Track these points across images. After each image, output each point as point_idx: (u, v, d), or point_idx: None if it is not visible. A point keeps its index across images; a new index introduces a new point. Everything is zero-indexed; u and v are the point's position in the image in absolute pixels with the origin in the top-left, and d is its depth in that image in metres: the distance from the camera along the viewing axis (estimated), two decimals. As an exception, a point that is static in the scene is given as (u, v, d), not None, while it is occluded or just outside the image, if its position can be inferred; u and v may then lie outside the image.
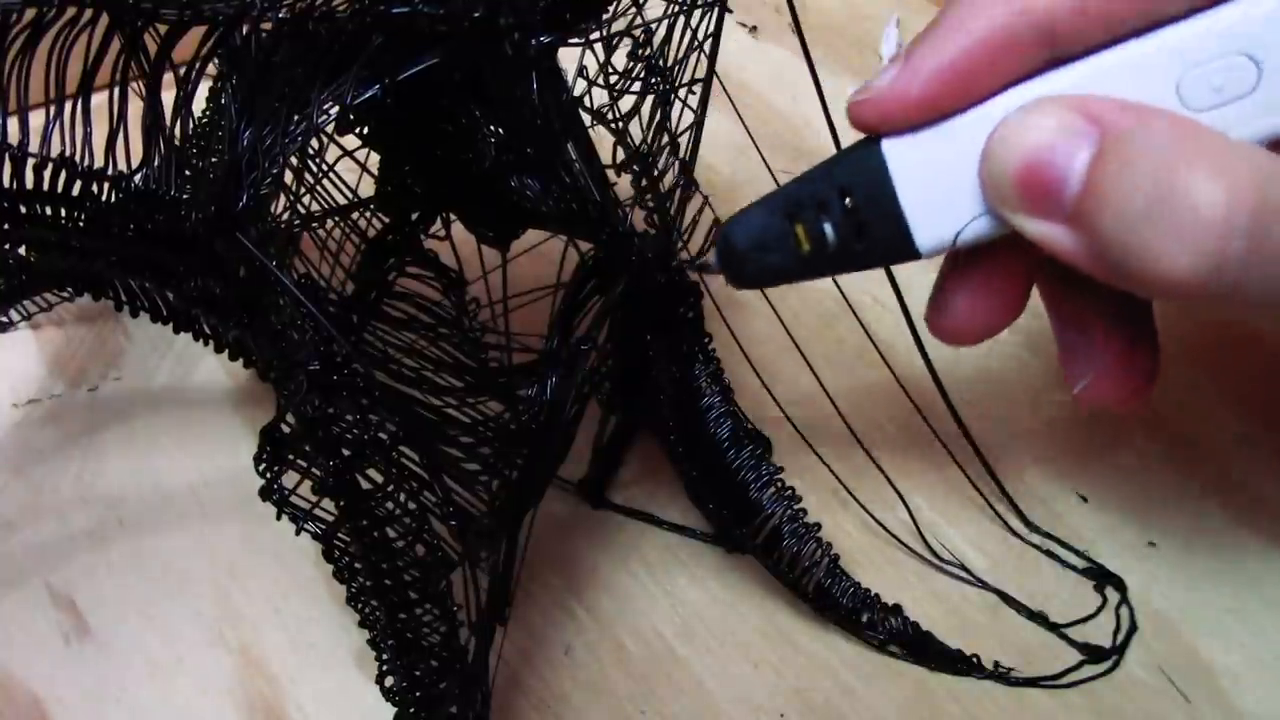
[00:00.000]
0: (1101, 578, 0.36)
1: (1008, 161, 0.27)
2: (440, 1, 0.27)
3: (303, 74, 0.27)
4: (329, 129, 0.28)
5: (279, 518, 0.29)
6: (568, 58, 0.30)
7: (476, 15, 0.27)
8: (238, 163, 0.26)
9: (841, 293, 0.39)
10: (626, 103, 0.32)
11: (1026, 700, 0.33)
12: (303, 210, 0.31)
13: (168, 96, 0.28)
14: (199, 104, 0.33)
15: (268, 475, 0.28)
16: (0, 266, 0.37)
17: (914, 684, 0.34)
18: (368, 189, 0.33)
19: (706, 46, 0.33)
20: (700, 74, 0.34)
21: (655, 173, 0.33)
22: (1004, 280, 0.31)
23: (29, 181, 0.28)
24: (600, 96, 0.31)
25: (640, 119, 0.32)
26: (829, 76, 0.36)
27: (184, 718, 0.34)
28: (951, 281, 0.31)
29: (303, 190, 0.30)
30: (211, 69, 0.29)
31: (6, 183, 0.29)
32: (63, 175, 0.28)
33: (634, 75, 0.31)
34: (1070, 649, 0.34)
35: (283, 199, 0.30)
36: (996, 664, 0.34)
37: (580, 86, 0.30)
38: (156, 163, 0.28)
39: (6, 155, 0.28)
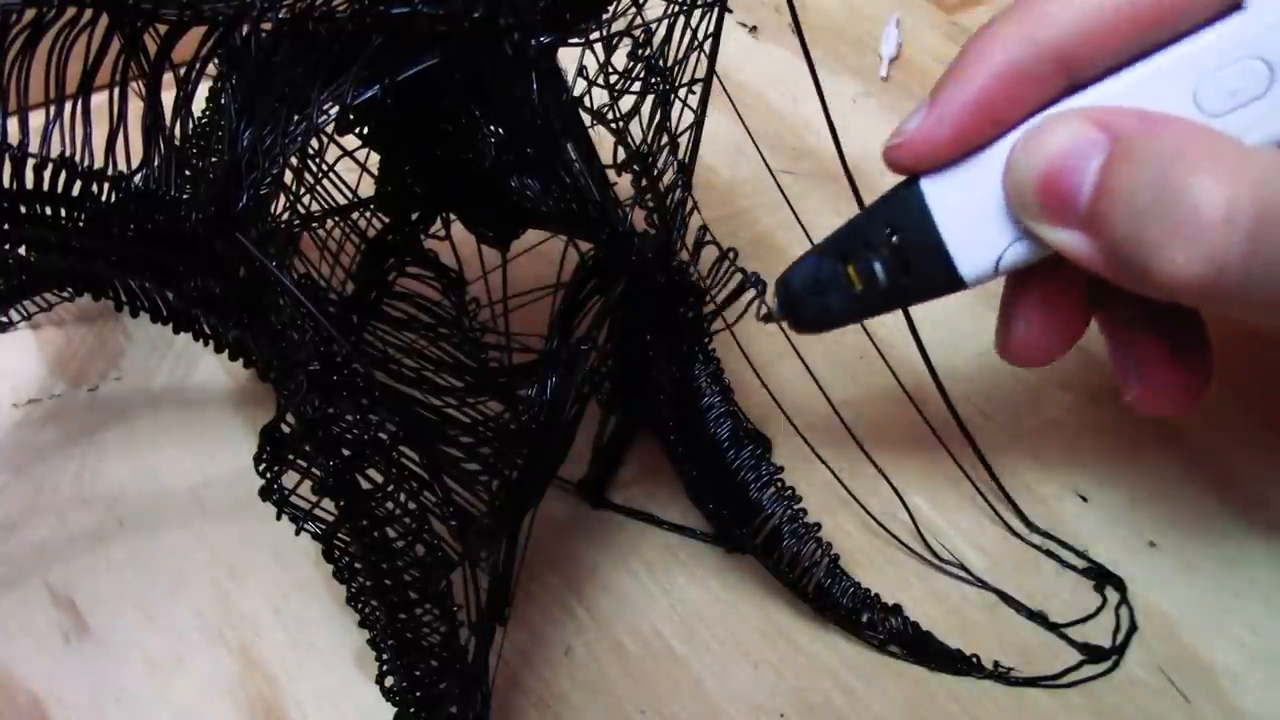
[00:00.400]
0: (1101, 577, 0.36)
1: (1028, 172, 0.28)
2: (440, 1, 0.27)
3: (303, 74, 0.27)
4: (329, 129, 0.28)
5: (279, 518, 0.29)
6: (568, 58, 0.30)
7: (476, 15, 0.27)
8: (237, 163, 0.26)
9: (841, 293, 0.39)
10: (626, 103, 0.32)
11: (1026, 700, 0.33)
12: (303, 210, 0.31)
13: (168, 97, 0.28)
14: (199, 104, 0.33)
15: (268, 475, 0.28)
16: (0, 266, 0.37)
17: (914, 684, 0.34)
18: (367, 189, 0.33)
19: (706, 46, 0.33)
20: (700, 74, 0.34)
21: (655, 173, 0.33)
22: (1060, 301, 0.32)
23: (29, 182, 0.28)
24: (600, 96, 0.31)
25: (640, 119, 0.32)
26: (829, 76, 0.36)
27: (184, 717, 0.34)
28: (1011, 307, 0.32)
29: (302, 190, 0.30)
30: (211, 69, 0.29)
31: (6, 183, 0.29)
32: (63, 175, 0.28)
33: (634, 75, 0.31)
34: (1070, 649, 0.34)
35: (282, 199, 0.30)
36: (996, 664, 0.34)
37: (580, 86, 0.30)
38: (156, 163, 0.28)
39: (6, 156, 0.28)
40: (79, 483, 0.40)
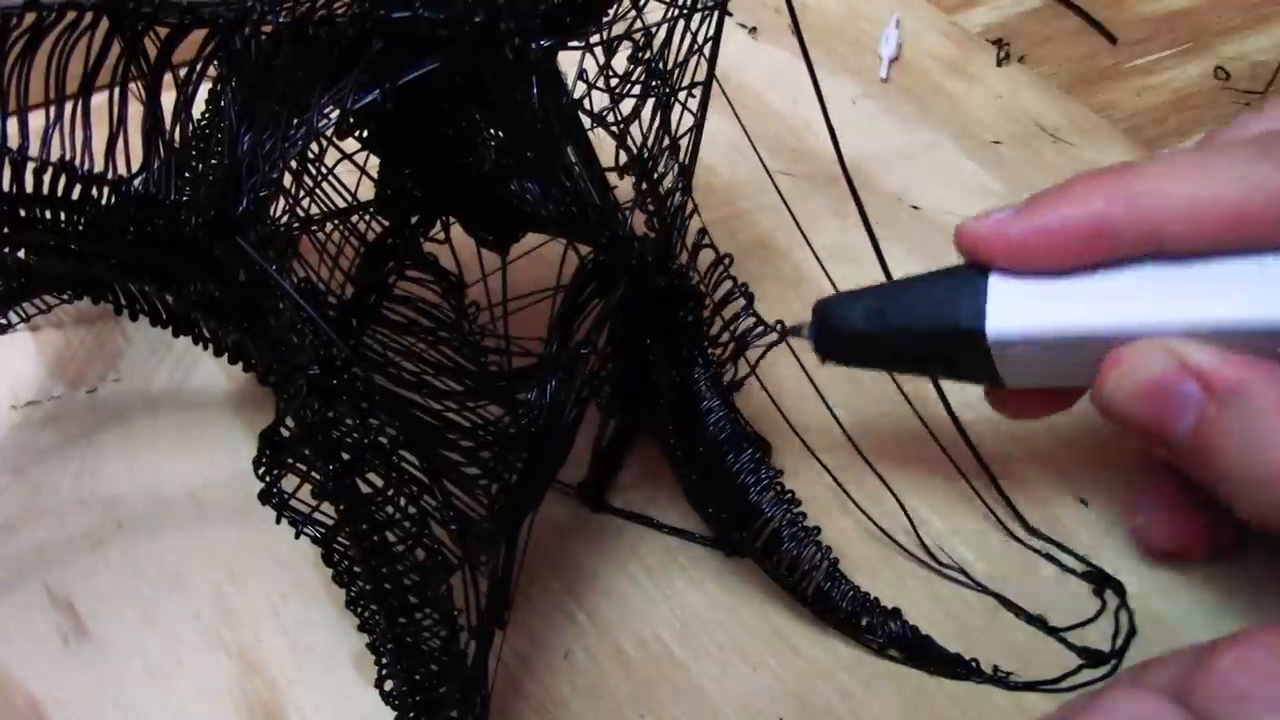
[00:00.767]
0: (1101, 581, 0.36)
1: (1122, 396, 0.29)
2: (441, 5, 0.27)
3: (303, 78, 0.27)
4: (329, 133, 0.28)
5: (278, 521, 0.29)
6: (568, 61, 0.30)
7: (477, 20, 0.27)
8: (237, 166, 0.26)
9: (841, 296, 0.39)
10: (627, 106, 0.32)
11: (1026, 704, 0.33)
12: (302, 213, 0.31)
13: (167, 100, 0.28)
14: (198, 107, 0.33)
15: (267, 479, 0.28)
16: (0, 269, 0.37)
17: (913, 688, 0.34)
18: (367, 192, 0.33)
19: (706, 50, 0.33)
20: (700, 77, 0.34)
21: (655, 176, 0.33)
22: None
23: (29, 185, 0.28)
24: (600, 100, 0.31)
25: (640, 122, 0.32)
26: (828, 78, 0.36)
27: (183, 720, 0.34)
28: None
29: (302, 194, 0.30)
30: (211, 72, 0.29)
31: (6, 187, 0.29)
32: (62, 179, 0.28)
33: (634, 79, 0.31)
34: (1070, 653, 0.34)
35: (282, 202, 0.30)
36: (996, 668, 0.34)
37: (580, 90, 0.30)
38: (156, 166, 0.28)
39: (6, 159, 0.28)
40: (78, 485, 0.40)
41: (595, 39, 0.30)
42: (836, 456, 0.37)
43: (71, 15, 0.28)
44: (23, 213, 0.28)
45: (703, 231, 0.35)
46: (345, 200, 0.34)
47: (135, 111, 0.29)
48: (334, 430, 0.27)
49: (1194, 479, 0.30)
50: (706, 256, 0.35)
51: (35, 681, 0.35)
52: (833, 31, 0.58)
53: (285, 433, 0.28)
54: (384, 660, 0.31)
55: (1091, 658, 0.34)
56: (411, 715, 0.31)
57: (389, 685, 0.31)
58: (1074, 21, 0.59)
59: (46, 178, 0.28)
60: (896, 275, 0.35)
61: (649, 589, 0.36)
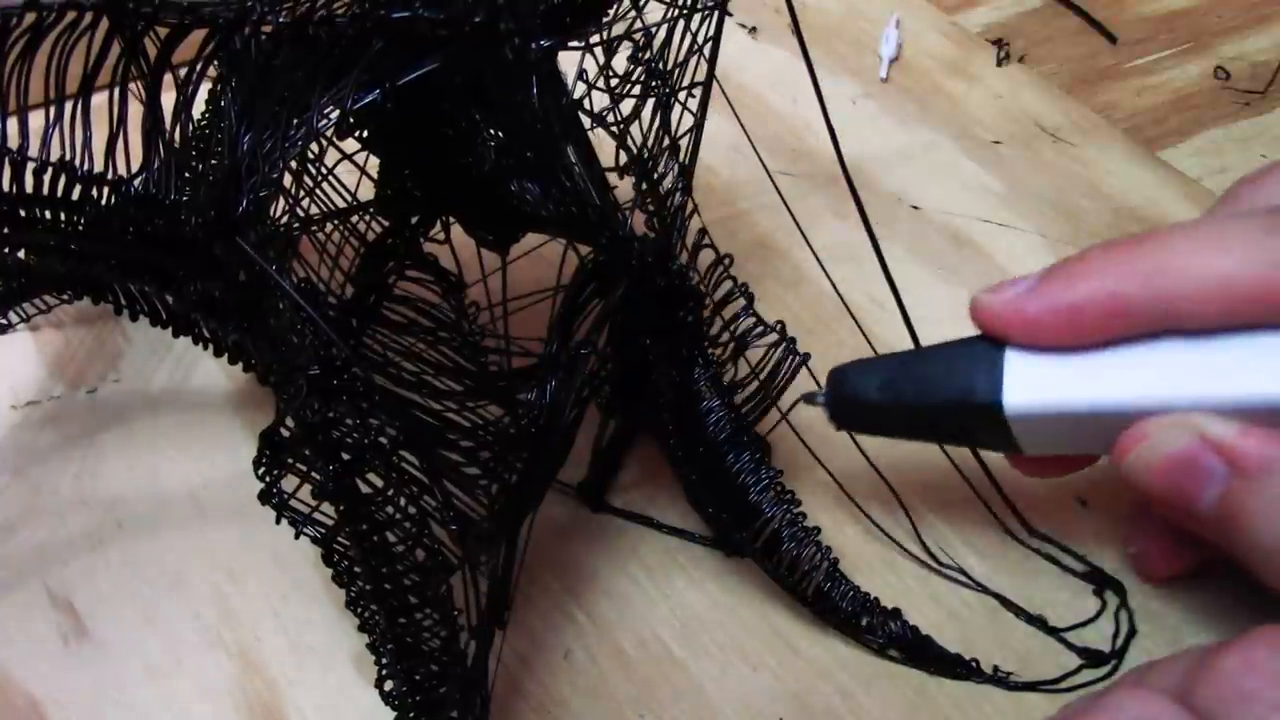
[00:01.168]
0: (1101, 582, 0.36)
1: (1145, 470, 0.30)
2: (440, 6, 0.27)
3: (303, 78, 0.27)
4: (329, 133, 0.28)
5: (278, 521, 0.29)
6: (568, 61, 0.30)
7: (477, 20, 0.27)
8: (237, 167, 0.26)
9: (839, 295, 0.39)
10: (627, 106, 0.32)
11: (1026, 704, 0.33)
12: (302, 214, 0.31)
13: (167, 100, 0.28)
14: (198, 107, 0.33)
15: (267, 479, 0.28)
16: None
17: (913, 688, 0.34)
18: (367, 192, 0.33)
19: (706, 50, 0.33)
20: (700, 77, 0.34)
21: (655, 176, 0.33)
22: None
23: (29, 185, 0.28)
24: (600, 100, 0.31)
25: (640, 122, 0.32)
26: (828, 78, 0.36)
27: (183, 720, 0.34)
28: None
29: (302, 194, 0.30)
30: (211, 72, 0.29)
31: (6, 187, 0.29)
32: (62, 179, 0.28)
33: (634, 79, 0.31)
34: (1070, 653, 0.34)
35: (282, 202, 0.30)
36: (996, 668, 0.34)
37: (580, 90, 0.30)
38: (156, 166, 0.28)
39: (6, 159, 0.28)
40: (78, 485, 0.40)
41: (595, 39, 0.30)
42: (837, 457, 0.37)
43: (71, 15, 0.28)
44: (23, 213, 0.28)
45: (703, 231, 0.35)
46: (345, 200, 0.34)
47: (135, 111, 0.28)
48: (334, 430, 0.27)
49: (1222, 547, 0.30)
50: (706, 256, 0.35)
51: (35, 681, 0.35)
52: (833, 31, 0.58)
53: (285, 433, 0.28)
54: (384, 660, 0.31)
55: (1092, 658, 0.34)
56: (411, 715, 0.31)
57: (389, 685, 0.31)
58: (1074, 21, 0.59)
59: (46, 178, 0.28)
60: (896, 275, 0.35)
61: (649, 589, 0.36)
